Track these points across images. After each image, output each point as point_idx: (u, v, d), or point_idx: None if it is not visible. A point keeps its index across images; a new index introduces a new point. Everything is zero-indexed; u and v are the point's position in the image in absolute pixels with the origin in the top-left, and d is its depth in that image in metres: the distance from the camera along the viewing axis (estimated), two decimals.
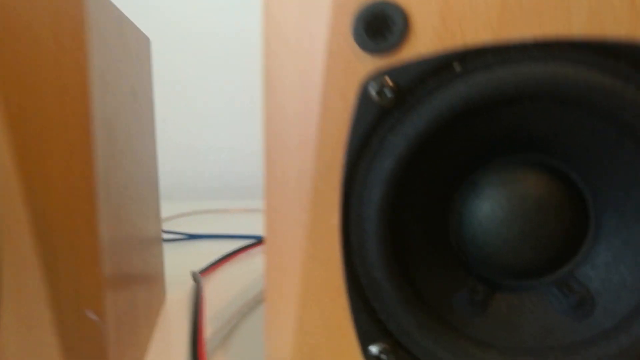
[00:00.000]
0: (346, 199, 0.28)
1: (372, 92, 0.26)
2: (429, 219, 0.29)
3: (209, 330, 0.43)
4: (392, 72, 0.26)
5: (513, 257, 0.28)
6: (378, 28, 0.26)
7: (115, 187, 0.33)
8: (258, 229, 0.78)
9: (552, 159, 0.28)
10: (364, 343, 0.29)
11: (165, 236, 0.75)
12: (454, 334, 0.28)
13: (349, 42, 0.27)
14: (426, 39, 0.26)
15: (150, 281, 0.45)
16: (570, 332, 0.28)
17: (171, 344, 0.41)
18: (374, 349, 0.29)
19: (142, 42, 0.45)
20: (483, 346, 0.28)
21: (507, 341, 0.28)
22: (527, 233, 0.27)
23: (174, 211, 0.91)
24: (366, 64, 0.27)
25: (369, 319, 0.29)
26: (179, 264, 0.61)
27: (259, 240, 0.69)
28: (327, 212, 0.29)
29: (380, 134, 0.27)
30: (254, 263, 0.64)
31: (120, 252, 0.35)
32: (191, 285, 0.52)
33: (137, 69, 0.42)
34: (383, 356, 0.29)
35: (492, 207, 0.28)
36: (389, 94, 0.26)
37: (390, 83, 0.26)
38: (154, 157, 0.51)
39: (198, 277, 0.42)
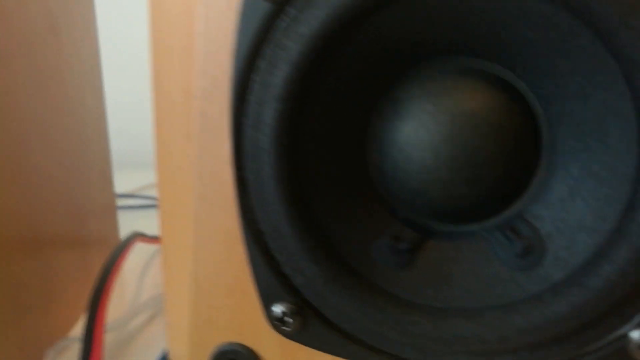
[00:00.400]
0: (237, 124, 0.23)
1: None
2: (341, 148, 0.23)
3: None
4: None
5: (443, 194, 0.22)
6: None
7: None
8: None
9: (491, 64, 0.22)
10: (266, 302, 0.24)
11: (144, 202, 0.71)
12: (369, 291, 0.22)
13: None
14: None
15: (90, 245, 0.41)
16: (514, 288, 0.22)
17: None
18: (277, 309, 0.24)
19: None
20: (405, 306, 0.22)
21: (436, 300, 0.22)
22: (458, 161, 0.21)
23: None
24: None
25: (271, 273, 0.24)
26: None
27: None
28: (216, 141, 0.24)
29: (274, 39, 0.22)
30: None
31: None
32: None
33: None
34: (287, 318, 0.24)
35: (414, 129, 0.22)
36: None
37: None
38: (101, 117, 0.47)
39: (131, 236, 0.37)
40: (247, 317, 0.25)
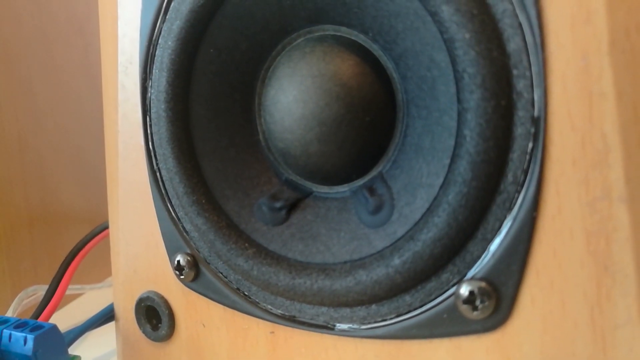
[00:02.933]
0: (144, 93, 0.27)
1: None
2: (231, 114, 0.26)
3: None
4: None
5: (301, 152, 0.23)
6: None
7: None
8: None
9: (351, 30, 0.23)
10: (169, 253, 0.27)
11: None
12: (244, 244, 0.24)
13: None
14: None
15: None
16: (365, 244, 0.23)
17: None
18: (177, 259, 0.27)
19: None
20: (271, 258, 0.24)
21: (302, 254, 0.24)
22: (308, 119, 0.23)
23: None
24: None
25: (173, 226, 0.27)
26: None
27: None
28: (132, 108, 0.27)
29: (167, 18, 0.25)
30: None
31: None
32: None
33: None
34: (185, 268, 0.26)
35: (277, 93, 0.24)
36: None
37: None
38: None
39: None
40: (159, 267, 0.28)
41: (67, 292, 0.35)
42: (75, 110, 0.41)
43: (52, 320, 0.33)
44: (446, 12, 0.19)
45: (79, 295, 0.42)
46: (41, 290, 0.32)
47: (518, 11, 0.18)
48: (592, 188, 0.18)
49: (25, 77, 0.38)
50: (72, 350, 0.31)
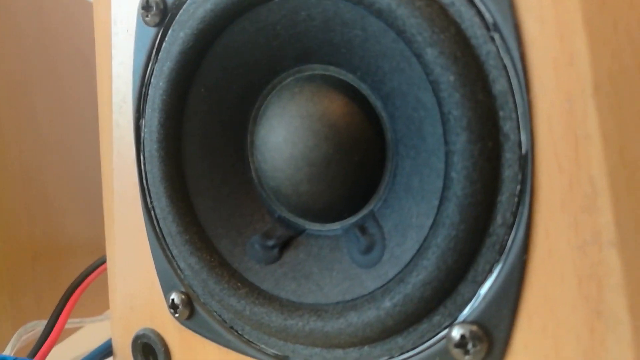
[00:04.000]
0: (137, 132, 0.27)
1: (143, 12, 0.25)
2: (224, 153, 0.26)
3: None
4: None
5: (292, 192, 0.23)
6: None
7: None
8: None
9: (339, 69, 0.23)
10: (164, 290, 0.27)
11: None
12: (236, 283, 0.24)
13: None
14: None
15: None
16: (357, 285, 0.22)
17: None
18: (174, 298, 0.27)
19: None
20: (263, 298, 0.24)
21: (294, 294, 0.24)
22: (297, 159, 0.23)
23: None
24: None
25: (168, 264, 0.27)
26: None
27: None
28: (127, 147, 0.28)
29: (159, 58, 0.25)
30: None
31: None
32: None
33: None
34: (180, 307, 0.26)
35: (267, 132, 0.24)
36: (154, 10, 0.25)
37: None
38: None
39: None
40: (155, 304, 0.28)
41: (67, 327, 0.35)
42: (80, 143, 0.41)
43: (51, 356, 0.33)
44: (430, 54, 0.19)
45: (79, 328, 0.42)
46: (41, 325, 0.32)
47: (502, 53, 0.18)
48: (581, 232, 0.17)
49: (30, 110, 0.38)
50: None
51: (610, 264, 0.17)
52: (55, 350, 0.35)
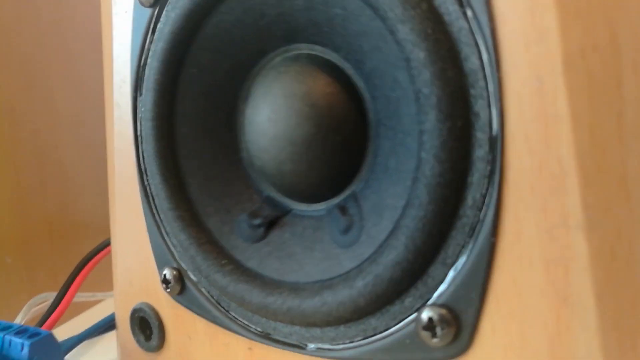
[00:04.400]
0: (135, 112, 0.27)
1: None
2: (214, 133, 0.26)
3: None
4: None
5: (276, 171, 0.24)
6: None
7: None
8: None
9: (325, 49, 0.23)
10: (158, 266, 0.28)
11: None
12: (223, 260, 0.25)
13: None
14: None
15: None
16: (335, 264, 0.22)
17: None
18: (166, 273, 0.27)
19: None
20: (248, 276, 0.24)
21: (277, 272, 0.24)
22: (280, 139, 0.23)
23: None
24: None
25: (161, 241, 0.27)
26: None
27: None
28: (126, 125, 0.28)
29: (154, 39, 0.26)
30: None
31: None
32: None
33: None
34: (172, 282, 0.27)
35: (253, 112, 0.24)
36: None
37: None
38: None
39: None
40: (151, 280, 0.29)
41: (80, 300, 0.37)
42: (94, 121, 0.42)
43: (66, 327, 0.34)
44: (402, 31, 0.18)
45: (97, 302, 0.44)
46: (51, 297, 0.34)
47: (474, 29, 0.18)
48: (550, 214, 0.17)
49: (45, 88, 0.40)
50: (76, 357, 0.32)
51: (577, 248, 0.16)
52: (71, 322, 0.37)
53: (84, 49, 0.42)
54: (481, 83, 0.18)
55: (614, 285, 0.16)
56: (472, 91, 0.18)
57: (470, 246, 0.19)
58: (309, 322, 0.22)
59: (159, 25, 0.26)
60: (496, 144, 0.18)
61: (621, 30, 0.16)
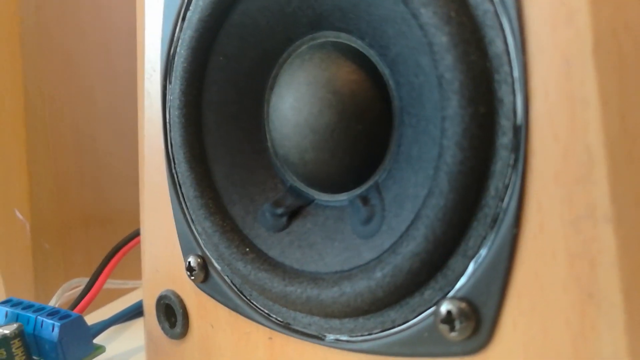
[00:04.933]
0: (164, 100, 0.28)
1: None
2: (241, 121, 0.26)
3: None
4: None
5: (299, 160, 0.23)
6: None
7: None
8: None
9: (360, 42, 0.23)
10: (184, 253, 0.28)
11: None
12: (245, 248, 0.25)
13: None
14: None
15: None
16: (355, 255, 0.22)
17: None
18: (191, 260, 0.27)
19: None
20: (269, 264, 0.24)
21: (298, 262, 0.24)
22: (302, 127, 0.23)
23: None
24: None
25: (187, 228, 0.28)
26: None
27: None
28: (156, 114, 0.29)
29: (183, 27, 0.26)
30: None
31: None
32: None
33: None
34: (196, 270, 0.27)
35: (278, 100, 0.24)
36: None
37: None
38: None
39: None
40: (176, 267, 0.29)
41: (112, 287, 0.37)
42: (130, 113, 0.43)
43: (100, 313, 0.35)
44: (424, 15, 0.18)
45: (132, 289, 0.45)
46: (84, 283, 0.35)
47: (500, 12, 0.17)
48: (575, 205, 0.16)
49: (86, 84, 0.41)
50: (105, 341, 0.33)
51: (604, 242, 0.16)
52: (106, 307, 0.38)
53: (122, 44, 0.43)
54: (506, 68, 0.17)
55: None
56: (497, 76, 0.17)
57: (491, 238, 0.18)
58: (327, 312, 0.22)
59: (188, 13, 0.26)
60: (520, 132, 0.17)
61: None
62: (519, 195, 0.17)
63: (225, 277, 0.26)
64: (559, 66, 0.16)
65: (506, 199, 0.17)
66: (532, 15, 0.16)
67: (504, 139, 0.17)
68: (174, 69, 0.26)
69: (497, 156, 0.17)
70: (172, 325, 0.29)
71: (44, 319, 0.29)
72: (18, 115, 0.38)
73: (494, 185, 0.18)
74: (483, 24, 0.17)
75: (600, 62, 0.15)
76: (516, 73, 0.17)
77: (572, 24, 0.16)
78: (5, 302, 0.30)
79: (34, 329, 0.29)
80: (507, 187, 0.17)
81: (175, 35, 0.27)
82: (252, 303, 0.25)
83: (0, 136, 0.37)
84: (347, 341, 0.22)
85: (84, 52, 0.41)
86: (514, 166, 0.17)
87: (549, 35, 0.16)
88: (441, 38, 0.17)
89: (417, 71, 0.20)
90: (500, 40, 0.17)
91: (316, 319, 0.23)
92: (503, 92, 0.17)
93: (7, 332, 0.27)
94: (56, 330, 0.28)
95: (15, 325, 0.28)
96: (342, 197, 0.24)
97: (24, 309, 0.30)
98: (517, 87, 0.17)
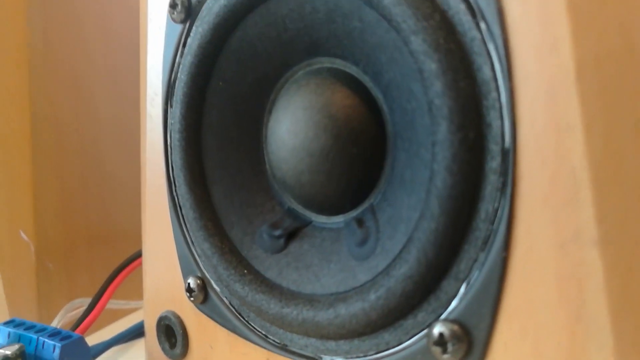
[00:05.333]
0: (165, 124, 0.28)
1: (170, 9, 0.27)
2: (240, 145, 0.27)
3: None
4: None
5: (295, 182, 0.24)
6: None
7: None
8: None
9: (345, 62, 0.23)
10: (184, 275, 0.28)
11: None
12: (243, 270, 0.25)
13: None
14: None
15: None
16: (350, 277, 0.22)
17: None
18: (190, 282, 0.28)
19: None
20: (265, 286, 0.24)
21: (295, 284, 0.24)
22: (298, 150, 0.23)
23: None
24: None
25: (187, 250, 0.28)
26: None
27: None
28: (158, 137, 0.29)
29: (182, 51, 0.27)
30: None
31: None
32: None
33: None
34: (196, 291, 0.28)
35: (275, 125, 0.24)
36: (180, 7, 0.26)
37: None
38: None
39: None
40: (177, 288, 0.29)
41: (114, 307, 0.38)
42: (134, 132, 0.44)
43: (102, 333, 0.35)
44: (414, 42, 0.18)
45: (134, 310, 0.45)
46: (87, 303, 0.35)
47: (487, 39, 0.17)
48: (562, 229, 0.16)
49: (92, 107, 0.42)
50: None
51: (591, 264, 0.16)
52: (108, 328, 0.38)
53: (126, 61, 0.44)
54: (493, 94, 0.17)
55: (631, 303, 0.16)
56: (485, 102, 0.18)
57: (482, 260, 0.18)
58: (323, 334, 0.22)
59: (188, 40, 0.27)
60: (508, 156, 0.17)
61: (636, 33, 0.15)
62: (508, 219, 0.17)
63: (224, 299, 0.27)
64: (545, 92, 0.16)
65: (496, 222, 0.18)
66: (518, 43, 0.17)
67: (493, 163, 0.18)
68: (175, 93, 0.27)
69: (487, 180, 0.18)
70: (173, 345, 0.30)
71: (46, 340, 0.29)
72: (24, 138, 0.39)
73: (484, 208, 0.18)
74: (471, 50, 0.18)
75: (583, 89, 0.16)
76: (504, 99, 0.17)
77: (556, 52, 0.16)
78: (7, 323, 0.31)
79: (36, 350, 0.29)
80: (496, 211, 0.18)
81: (176, 60, 0.27)
82: (250, 324, 0.26)
83: (6, 158, 0.38)
84: None
85: (90, 75, 0.42)
86: (503, 190, 0.17)
87: (534, 63, 0.16)
88: (431, 65, 0.18)
89: (409, 97, 0.20)
90: (488, 67, 0.17)
91: (312, 340, 0.23)
92: (491, 117, 0.18)
93: (8, 352, 0.28)
94: (57, 351, 0.28)
95: (17, 346, 0.28)
96: (339, 219, 0.24)
97: (26, 329, 0.30)
98: (505, 112, 0.17)
